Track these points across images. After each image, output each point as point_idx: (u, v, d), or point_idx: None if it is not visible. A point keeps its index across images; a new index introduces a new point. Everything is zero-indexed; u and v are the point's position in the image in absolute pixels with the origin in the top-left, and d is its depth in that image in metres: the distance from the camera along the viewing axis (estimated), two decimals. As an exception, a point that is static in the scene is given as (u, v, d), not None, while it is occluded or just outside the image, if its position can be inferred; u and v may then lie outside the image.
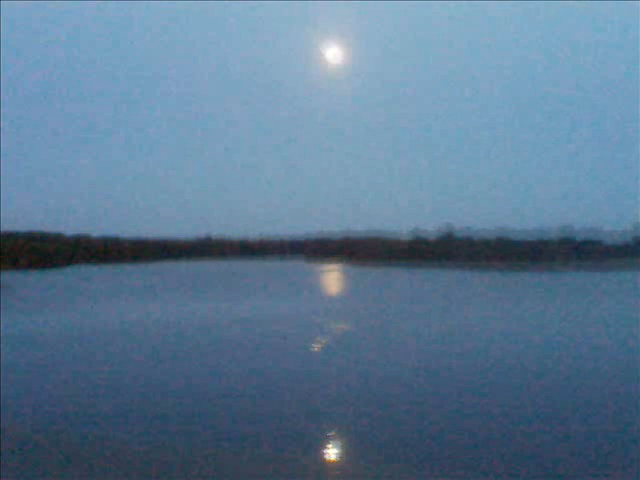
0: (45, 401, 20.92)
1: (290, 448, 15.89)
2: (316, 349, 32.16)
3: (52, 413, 19.31)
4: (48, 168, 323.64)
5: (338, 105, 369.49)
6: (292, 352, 31.04)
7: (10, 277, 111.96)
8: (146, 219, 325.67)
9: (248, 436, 16.91)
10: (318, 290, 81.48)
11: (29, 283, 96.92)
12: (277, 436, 16.94)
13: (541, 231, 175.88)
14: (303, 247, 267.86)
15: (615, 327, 41.35)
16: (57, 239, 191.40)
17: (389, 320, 45.30)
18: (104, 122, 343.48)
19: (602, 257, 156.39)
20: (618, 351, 31.51)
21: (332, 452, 15.67)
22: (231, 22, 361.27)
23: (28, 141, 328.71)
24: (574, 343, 34.10)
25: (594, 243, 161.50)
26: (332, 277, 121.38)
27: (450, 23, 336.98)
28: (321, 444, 16.29)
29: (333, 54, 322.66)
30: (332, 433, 17.30)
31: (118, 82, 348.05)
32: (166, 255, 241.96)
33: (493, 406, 20.25)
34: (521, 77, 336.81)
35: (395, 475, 13.74)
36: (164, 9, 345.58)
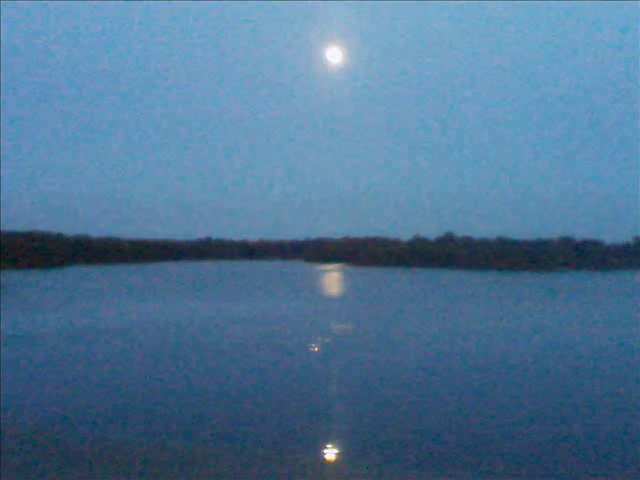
0: (45, 401, 20.92)
1: (290, 448, 15.89)
2: (316, 349, 32.17)
3: (52, 413, 19.31)
4: (48, 168, 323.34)
5: (338, 105, 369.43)
6: (292, 352, 31.05)
7: (10, 277, 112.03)
8: (146, 220, 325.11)
9: (248, 436, 16.91)
10: (318, 291, 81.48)
11: (29, 283, 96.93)
12: (277, 436, 16.94)
13: (541, 232, 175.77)
14: (303, 249, 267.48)
15: (616, 327, 41.36)
16: (57, 239, 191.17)
17: (389, 321, 45.31)
18: (104, 122, 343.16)
19: (603, 256, 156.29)
20: (619, 351, 31.52)
21: (332, 452, 15.67)
22: (231, 22, 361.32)
23: (28, 141, 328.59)
24: (574, 343, 34.11)
25: (594, 243, 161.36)
26: (332, 278, 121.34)
27: (450, 23, 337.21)
28: (321, 444, 16.29)
29: (333, 54, 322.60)
30: (332, 433, 17.30)
31: (118, 82, 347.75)
32: (166, 256, 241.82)
33: (493, 406, 20.26)
34: (521, 77, 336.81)
35: (395, 475, 13.74)
36: (164, 9, 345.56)
